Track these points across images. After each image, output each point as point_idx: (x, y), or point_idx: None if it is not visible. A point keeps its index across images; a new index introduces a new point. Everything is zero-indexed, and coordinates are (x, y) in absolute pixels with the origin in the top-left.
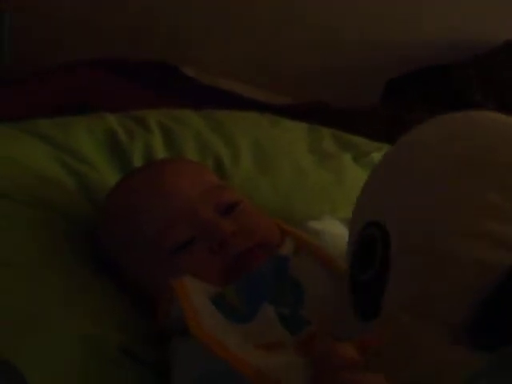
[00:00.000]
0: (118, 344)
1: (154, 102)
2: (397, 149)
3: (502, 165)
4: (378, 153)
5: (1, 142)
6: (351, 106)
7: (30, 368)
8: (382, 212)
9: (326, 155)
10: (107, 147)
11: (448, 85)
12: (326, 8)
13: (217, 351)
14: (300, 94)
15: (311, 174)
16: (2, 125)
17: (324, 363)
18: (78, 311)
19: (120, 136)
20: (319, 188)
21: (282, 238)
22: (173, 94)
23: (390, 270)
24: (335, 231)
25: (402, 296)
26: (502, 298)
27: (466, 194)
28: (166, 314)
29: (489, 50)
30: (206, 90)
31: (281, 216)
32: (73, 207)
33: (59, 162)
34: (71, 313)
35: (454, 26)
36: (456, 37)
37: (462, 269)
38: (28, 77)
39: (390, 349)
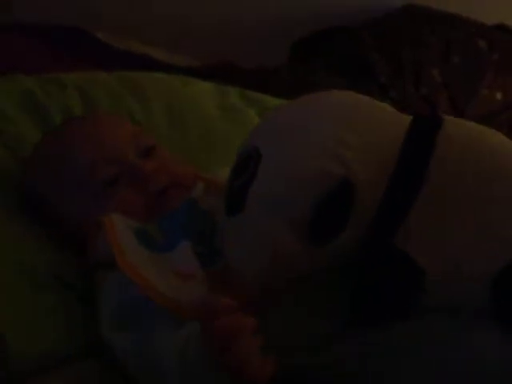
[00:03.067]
0: (50, 270)
1: (67, 66)
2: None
3: (349, 117)
4: None
5: None
6: (257, 67)
7: None
8: (262, 139)
9: (232, 110)
10: (26, 107)
11: (349, 46)
12: None
13: (137, 281)
14: (209, 55)
15: (218, 128)
16: None
17: (207, 313)
18: (12, 247)
19: (37, 96)
20: (225, 140)
21: (194, 181)
22: (85, 57)
23: (256, 176)
24: None
25: (259, 194)
26: (333, 201)
27: (318, 129)
28: (94, 248)
29: (386, 14)
30: (118, 54)
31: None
32: None
33: None
34: (10, 248)
35: None
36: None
37: (307, 175)
38: None
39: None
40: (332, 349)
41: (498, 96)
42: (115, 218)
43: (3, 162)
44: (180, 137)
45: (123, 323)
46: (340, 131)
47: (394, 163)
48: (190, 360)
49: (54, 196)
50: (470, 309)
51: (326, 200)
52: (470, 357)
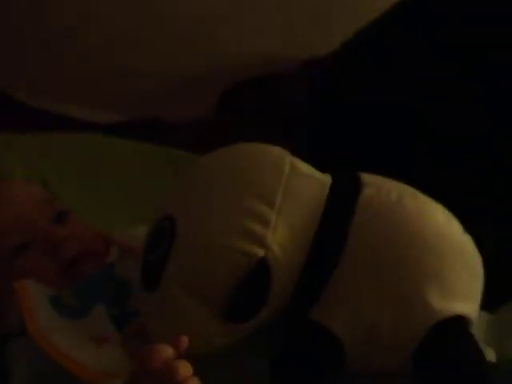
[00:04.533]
0: None
1: None
2: (193, 168)
3: (262, 182)
4: None
5: None
6: (184, 122)
7: None
8: (176, 210)
9: (151, 170)
10: None
11: (277, 95)
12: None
13: (49, 351)
14: (137, 111)
15: (135, 188)
16: None
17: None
18: None
19: None
20: (142, 201)
21: (108, 246)
22: (3, 119)
23: (171, 253)
24: None
25: (175, 273)
26: (251, 282)
27: (233, 201)
28: (6, 317)
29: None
30: (37, 114)
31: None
32: None
33: None
34: None
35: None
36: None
37: (224, 255)
38: None
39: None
40: None
41: None
42: (28, 284)
43: None
44: (93, 200)
45: None
46: (257, 204)
47: (313, 236)
48: None
49: None
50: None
51: (244, 281)
52: None
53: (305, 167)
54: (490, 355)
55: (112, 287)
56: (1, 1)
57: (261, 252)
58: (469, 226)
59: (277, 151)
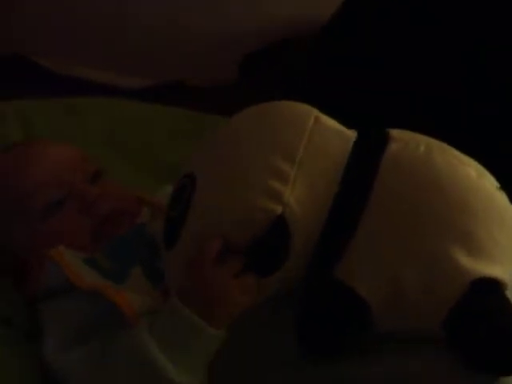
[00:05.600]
0: None
1: (7, 94)
2: (216, 128)
3: (284, 137)
4: None
5: None
6: (208, 85)
7: None
8: (196, 167)
9: (178, 133)
10: None
11: (299, 58)
12: None
13: (106, 291)
14: (161, 75)
15: (163, 152)
16: None
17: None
18: None
19: None
20: (170, 164)
21: (139, 206)
22: (26, 85)
23: (190, 210)
24: None
25: (193, 229)
26: (269, 238)
27: (253, 158)
28: (35, 281)
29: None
30: (61, 80)
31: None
32: None
33: None
34: None
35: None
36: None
37: (242, 210)
38: None
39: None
40: (292, 376)
41: None
42: (62, 249)
43: None
44: (123, 162)
45: (77, 342)
46: (277, 160)
47: (335, 191)
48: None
49: None
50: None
51: (261, 237)
52: None
53: (330, 122)
54: None
55: (144, 247)
56: None
57: (279, 209)
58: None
59: (301, 107)
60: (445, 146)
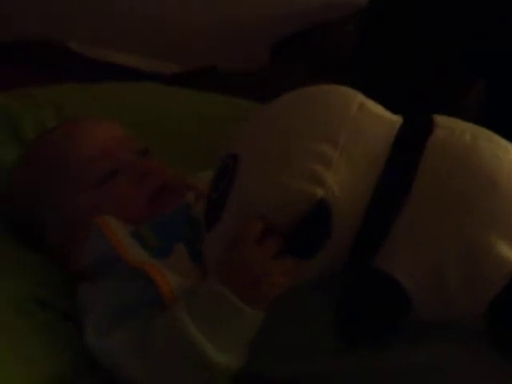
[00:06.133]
0: (28, 293)
1: (39, 80)
2: (260, 109)
3: (328, 121)
4: None
5: None
6: (239, 71)
7: None
8: (239, 148)
9: (212, 118)
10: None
11: (328, 43)
12: None
13: (147, 268)
14: (188, 59)
15: (198, 136)
16: None
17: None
18: None
19: (11, 112)
20: (206, 148)
21: (185, 187)
22: (59, 70)
23: (231, 191)
24: None
25: (233, 210)
26: (310, 221)
27: (296, 141)
28: (79, 256)
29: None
30: (93, 64)
31: None
32: None
33: None
34: None
35: None
36: None
37: (283, 194)
38: None
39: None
40: (329, 361)
41: None
42: (109, 218)
43: None
44: (159, 146)
45: (117, 323)
46: (320, 144)
47: (378, 176)
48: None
49: (43, 197)
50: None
51: (304, 219)
52: None
53: (374, 107)
54: None
55: (189, 227)
56: None
57: (321, 192)
58: None
59: (346, 91)
60: (490, 133)
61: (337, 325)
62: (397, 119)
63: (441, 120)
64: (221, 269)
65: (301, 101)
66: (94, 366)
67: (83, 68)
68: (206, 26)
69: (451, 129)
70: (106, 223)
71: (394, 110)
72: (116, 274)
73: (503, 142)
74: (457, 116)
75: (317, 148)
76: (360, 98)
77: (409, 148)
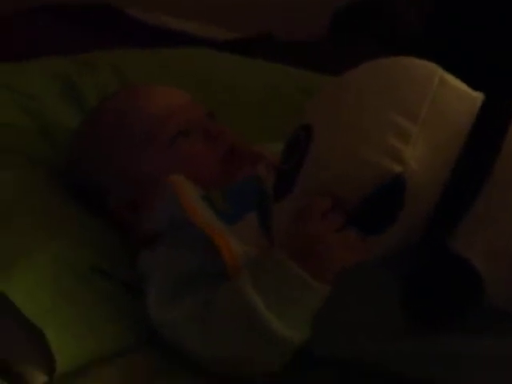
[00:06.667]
0: (88, 262)
1: (99, 45)
2: (335, 80)
3: (408, 95)
4: None
5: None
6: (297, 39)
7: (15, 291)
8: (313, 118)
9: (273, 87)
10: (62, 89)
11: (394, 14)
12: None
13: (213, 234)
14: (244, 26)
15: (260, 104)
16: None
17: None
18: (52, 235)
19: (73, 77)
20: (271, 116)
21: (257, 157)
22: (117, 35)
23: (304, 162)
24: None
25: (306, 182)
26: (384, 196)
27: (375, 114)
28: (150, 211)
29: None
30: (151, 30)
31: None
32: (33, 148)
33: (16, 105)
34: (45, 237)
35: None
36: None
37: (359, 167)
38: None
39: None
40: (393, 341)
41: None
42: (182, 179)
43: (40, 149)
44: (220, 113)
45: (182, 292)
46: (399, 118)
47: (457, 156)
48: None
49: (107, 162)
50: None
51: (377, 194)
52: None
53: (456, 83)
54: None
55: (260, 198)
56: None
57: (398, 167)
58: None
59: (426, 65)
60: None
61: (404, 303)
62: (477, 96)
63: None
64: (286, 241)
65: (378, 73)
66: (154, 338)
67: (141, 33)
68: None
69: None
70: (179, 183)
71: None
72: (182, 239)
73: None
74: None
75: (395, 121)
76: (440, 71)
77: (492, 127)
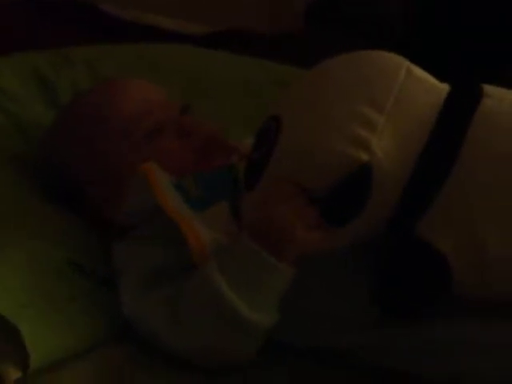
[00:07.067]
0: (64, 257)
1: (74, 40)
2: (305, 73)
3: (375, 86)
4: None
5: None
6: (273, 31)
7: None
8: (283, 109)
9: (249, 82)
10: (34, 84)
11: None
12: None
13: (181, 222)
14: (218, 21)
15: (236, 99)
16: None
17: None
18: (27, 232)
19: (46, 73)
20: (245, 111)
21: (229, 148)
22: (92, 30)
23: (274, 152)
24: None
25: (275, 171)
26: (351, 184)
27: (341, 104)
28: (124, 201)
29: None
30: (125, 26)
31: None
32: (7, 144)
33: None
34: (19, 234)
35: None
36: None
37: (326, 156)
38: None
39: None
40: (362, 332)
41: None
42: (154, 167)
43: (14, 146)
44: (197, 108)
45: (152, 284)
46: (365, 108)
47: (423, 145)
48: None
49: (83, 156)
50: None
51: (344, 183)
52: None
53: (422, 74)
54: None
55: (231, 187)
56: None
57: (365, 156)
58: None
59: (393, 57)
60: None
61: (375, 292)
62: (443, 87)
63: (489, 89)
64: (249, 226)
65: (346, 65)
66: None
67: (116, 29)
68: None
69: (499, 99)
70: (150, 171)
71: (439, 78)
72: (152, 230)
73: None
74: (503, 86)
75: (362, 112)
76: (407, 63)
77: (456, 117)
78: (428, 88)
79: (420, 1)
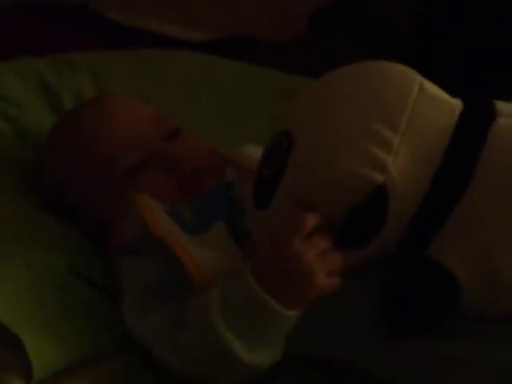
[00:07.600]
0: (64, 267)
1: (77, 46)
2: (315, 83)
3: (389, 103)
4: None
5: None
6: (276, 40)
7: None
8: (294, 125)
9: (253, 90)
10: (37, 90)
11: (373, 11)
12: None
13: (175, 248)
14: (222, 29)
15: (242, 108)
16: None
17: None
18: (26, 242)
19: (49, 79)
20: (250, 120)
21: (224, 164)
22: (96, 37)
23: (286, 170)
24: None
25: (289, 190)
26: (367, 207)
27: (355, 122)
28: (119, 231)
29: None
30: (130, 33)
31: None
32: (9, 151)
33: None
34: (18, 243)
35: None
36: None
37: (342, 175)
38: None
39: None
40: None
41: None
42: (145, 197)
43: (16, 151)
44: (201, 115)
45: (151, 304)
46: (380, 126)
47: (437, 165)
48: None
49: (73, 183)
50: None
51: (359, 205)
52: None
53: (434, 89)
54: None
55: (229, 206)
56: None
57: (380, 178)
58: None
59: (405, 71)
60: None
61: (384, 310)
62: (456, 103)
63: (503, 106)
64: (260, 264)
65: (357, 78)
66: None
67: (116, 35)
68: None
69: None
70: (142, 200)
71: (449, 91)
72: (148, 251)
73: None
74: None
75: (377, 130)
76: (419, 79)
77: (470, 137)
78: (440, 105)
79: (424, 3)
